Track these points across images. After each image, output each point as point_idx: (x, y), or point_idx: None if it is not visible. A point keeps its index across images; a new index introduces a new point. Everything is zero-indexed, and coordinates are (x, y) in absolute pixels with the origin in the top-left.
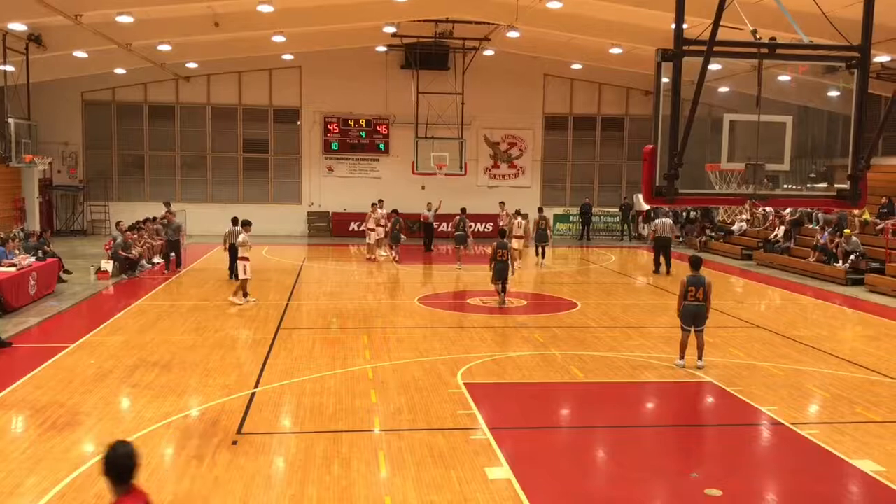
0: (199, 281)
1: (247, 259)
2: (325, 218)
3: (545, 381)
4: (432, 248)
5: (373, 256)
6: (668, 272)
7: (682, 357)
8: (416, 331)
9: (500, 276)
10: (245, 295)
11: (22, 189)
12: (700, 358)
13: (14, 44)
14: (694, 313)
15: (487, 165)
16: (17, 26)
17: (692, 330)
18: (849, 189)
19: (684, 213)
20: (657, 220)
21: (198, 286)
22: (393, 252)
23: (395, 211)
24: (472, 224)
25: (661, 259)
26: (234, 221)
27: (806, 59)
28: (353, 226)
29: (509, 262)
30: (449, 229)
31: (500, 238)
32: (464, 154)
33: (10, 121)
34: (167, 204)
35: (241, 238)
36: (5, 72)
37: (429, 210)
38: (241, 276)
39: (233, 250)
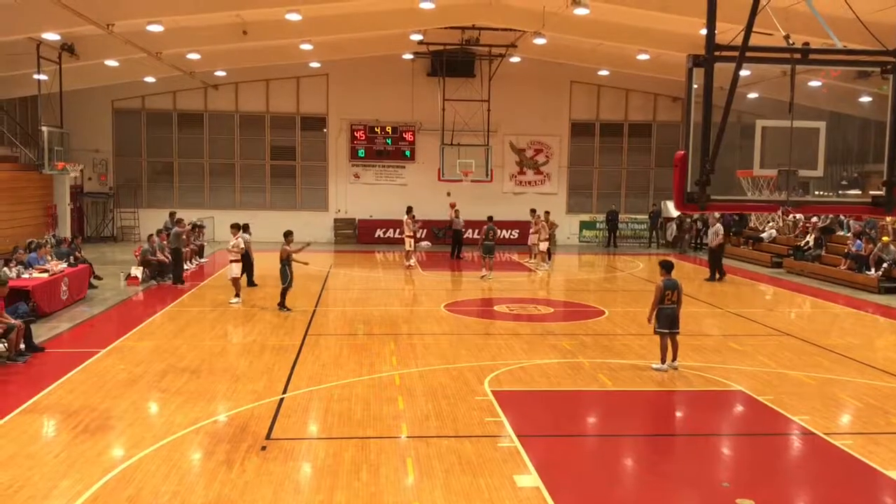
0: (227, 287)
1: (236, 261)
2: (351, 225)
3: (573, 388)
4: (461, 255)
5: (410, 263)
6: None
7: (663, 361)
8: (442, 338)
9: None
10: (237, 294)
11: (53, 196)
12: (675, 358)
13: (48, 53)
14: (672, 317)
15: (513, 172)
16: (51, 36)
17: (668, 333)
18: (884, 196)
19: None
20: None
21: (226, 292)
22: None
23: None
24: (500, 231)
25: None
26: (245, 227)
27: (839, 64)
28: (379, 232)
29: None
30: (476, 236)
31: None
32: (490, 161)
33: (44, 129)
34: (172, 215)
35: (231, 242)
36: (39, 81)
37: (456, 216)
38: (231, 275)
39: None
